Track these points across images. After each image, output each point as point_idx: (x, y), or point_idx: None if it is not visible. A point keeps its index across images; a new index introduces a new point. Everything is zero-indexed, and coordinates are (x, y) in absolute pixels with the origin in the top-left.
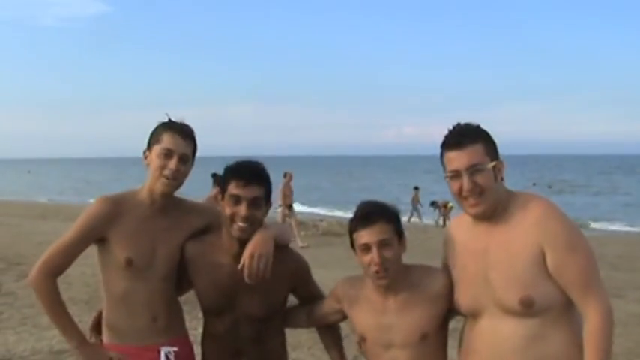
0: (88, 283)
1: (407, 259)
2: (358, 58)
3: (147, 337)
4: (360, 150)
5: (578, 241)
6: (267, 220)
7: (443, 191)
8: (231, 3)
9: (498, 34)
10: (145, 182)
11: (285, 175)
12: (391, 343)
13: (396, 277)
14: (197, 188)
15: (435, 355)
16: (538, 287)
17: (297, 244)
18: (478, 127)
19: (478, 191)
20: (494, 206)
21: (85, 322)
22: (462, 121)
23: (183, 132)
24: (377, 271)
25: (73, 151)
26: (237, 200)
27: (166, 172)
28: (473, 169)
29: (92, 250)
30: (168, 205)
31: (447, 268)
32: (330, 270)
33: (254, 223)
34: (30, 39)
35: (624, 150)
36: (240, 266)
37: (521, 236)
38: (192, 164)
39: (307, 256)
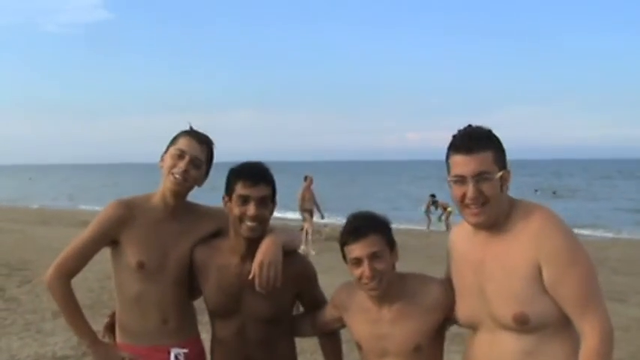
0: (92, 288)
1: (410, 265)
2: (360, 62)
3: (157, 338)
4: (362, 155)
5: (576, 256)
6: (279, 225)
7: (445, 197)
8: (232, 8)
9: (499, 36)
10: (159, 186)
11: (305, 179)
12: (385, 352)
13: (389, 287)
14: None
15: None
16: (533, 304)
17: (309, 252)
18: (490, 132)
19: (482, 200)
20: (495, 217)
21: None
22: (473, 123)
23: (199, 137)
24: (367, 284)
25: (74, 157)
26: (245, 200)
27: (175, 171)
28: (480, 177)
29: (96, 257)
30: (181, 209)
31: (448, 278)
32: (334, 276)
33: (262, 222)
34: (32, 45)
35: (624, 154)
36: (250, 276)
37: (517, 250)
38: (206, 173)
39: (311, 261)
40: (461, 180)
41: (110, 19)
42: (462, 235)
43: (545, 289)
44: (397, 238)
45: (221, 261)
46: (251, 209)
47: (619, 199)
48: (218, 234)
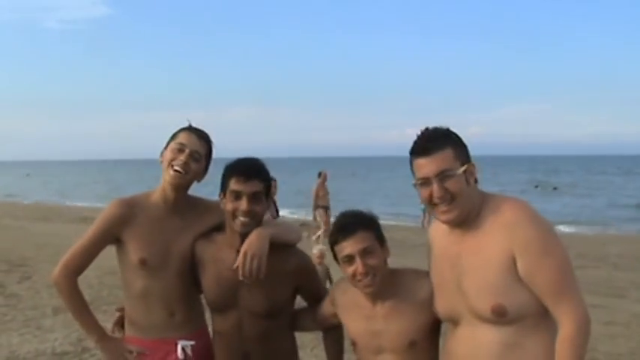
0: (91, 284)
1: (412, 261)
2: (360, 59)
3: (165, 331)
4: (362, 150)
5: (550, 246)
6: (278, 219)
7: None
8: (232, 5)
9: (499, 35)
10: (160, 182)
11: (319, 175)
12: (380, 348)
13: (382, 283)
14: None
15: None
16: (510, 295)
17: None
18: (447, 130)
19: (449, 197)
20: (466, 212)
21: None
22: (431, 125)
23: (198, 133)
24: (361, 280)
25: (73, 153)
26: (237, 195)
27: (175, 163)
28: (442, 175)
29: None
30: (182, 203)
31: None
32: (336, 272)
33: (255, 217)
34: (33, 41)
35: (623, 150)
36: (235, 266)
37: (491, 242)
38: (205, 169)
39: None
40: (425, 182)
41: (110, 14)
42: (440, 232)
43: (520, 279)
44: (399, 234)
45: (219, 255)
46: (243, 204)
47: (618, 195)
48: (219, 228)
